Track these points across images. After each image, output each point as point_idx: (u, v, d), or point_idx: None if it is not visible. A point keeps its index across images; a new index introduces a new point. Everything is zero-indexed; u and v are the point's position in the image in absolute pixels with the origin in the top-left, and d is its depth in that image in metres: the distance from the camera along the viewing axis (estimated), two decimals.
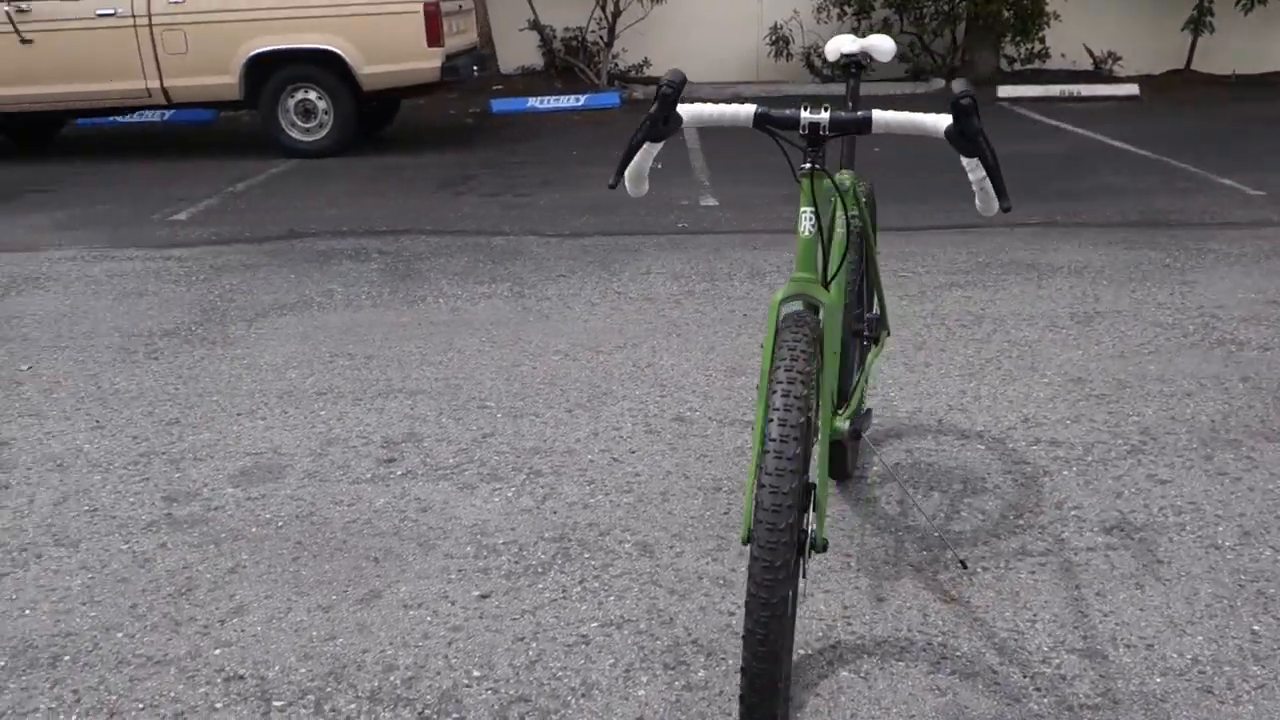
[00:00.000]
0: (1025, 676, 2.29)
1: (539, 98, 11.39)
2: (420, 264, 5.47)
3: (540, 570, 2.71)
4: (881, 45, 2.71)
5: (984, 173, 1.87)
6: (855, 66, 2.76)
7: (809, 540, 2.00)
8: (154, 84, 8.60)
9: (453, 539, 2.87)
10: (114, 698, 2.28)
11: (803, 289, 2.07)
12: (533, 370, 4.02)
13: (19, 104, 8.70)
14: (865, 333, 3.03)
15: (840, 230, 2.69)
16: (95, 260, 5.72)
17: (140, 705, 2.26)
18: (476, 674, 2.33)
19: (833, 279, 2.15)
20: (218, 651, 2.43)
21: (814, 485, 2.05)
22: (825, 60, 2.82)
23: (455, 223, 6.28)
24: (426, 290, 5.02)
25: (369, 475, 3.23)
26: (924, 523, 2.89)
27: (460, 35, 9.36)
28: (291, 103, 8.66)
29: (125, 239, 6.14)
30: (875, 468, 3.23)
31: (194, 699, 2.27)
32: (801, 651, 2.38)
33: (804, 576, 2.18)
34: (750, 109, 2.00)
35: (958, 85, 1.85)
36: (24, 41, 8.46)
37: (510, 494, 3.09)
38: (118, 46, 8.46)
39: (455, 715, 2.20)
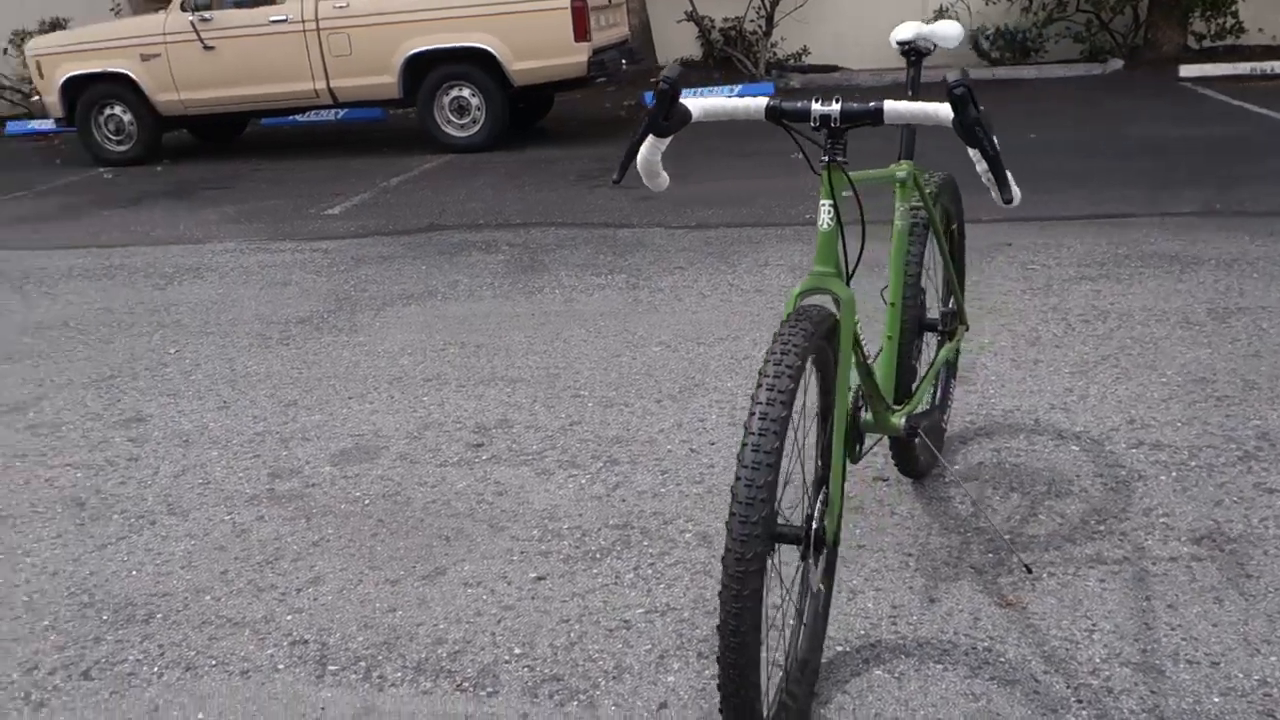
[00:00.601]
0: (1069, 687, 2.22)
1: (692, 89, 11.44)
2: (544, 255, 5.61)
3: (598, 556, 2.78)
4: (945, 31, 2.65)
5: (986, 164, 1.83)
6: (915, 54, 2.70)
7: (812, 534, 2.00)
8: (321, 84, 9.08)
9: (521, 522, 2.97)
10: (192, 654, 2.47)
11: (820, 283, 2.06)
12: (631, 361, 4.09)
13: (203, 106, 9.33)
14: (940, 327, 2.97)
15: (900, 223, 2.66)
16: (252, 252, 6.10)
17: (213, 662, 2.44)
18: (518, 652, 2.42)
19: (852, 274, 2.13)
20: (289, 617, 2.59)
21: (826, 479, 2.04)
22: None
23: (585, 215, 6.41)
24: (545, 281, 5.16)
25: (456, 459, 3.37)
26: (995, 524, 2.82)
27: (609, 30, 9.50)
28: (446, 100, 8.99)
29: (281, 232, 6.53)
30: (958, 466, 3.16)
31: (260, 659, 2.44)
32: (839, 648, 2.37)
33: (822, 570, 2.16)
34: (762, 102, 2.00)
35: (952, 74, 1.81)
36: (206, 48, 9.07)
37: (584, 481, 3.17)
38: (289, 50, 8.97)
39: (489, 690, 2.29)
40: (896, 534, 2.81)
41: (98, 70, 9.26)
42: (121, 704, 2.31)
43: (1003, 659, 2.30)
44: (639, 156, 2.06)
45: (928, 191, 2.82)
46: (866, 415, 2.60)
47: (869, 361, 2.37)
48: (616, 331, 4.41)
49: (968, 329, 3.15)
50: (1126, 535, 2.74)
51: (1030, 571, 2.62)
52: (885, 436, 2.82)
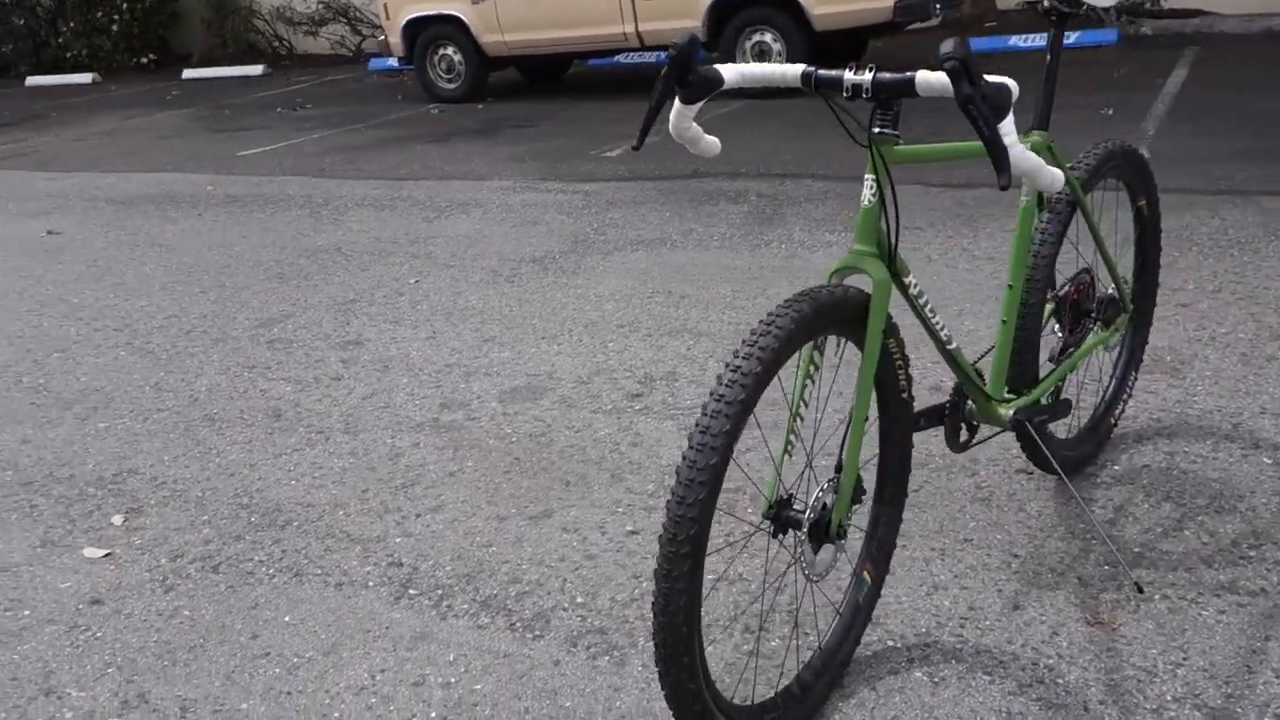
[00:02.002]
0: None
1: (1023, 35, 10.71)
2: (787, 209, 5.54)
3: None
4: None
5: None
6: (1057, 15, 2.43)
7: (812, 523, 1.92)
8: (630, 28, 9.33)
9: (642, 475, 3.02)
10: (305, 561, 2.74)
11: (855, 261, 1.95)
12: None
13: (523, 47, 9.86)
14: (1093, 313, 2.69)
15: (1026, 200, 2.44)
16: (521, 190, 6.44)
17: (318, 571, 2.69)
18: (579, 601, 2.49)
19: (894, 253, 1.99)
20: (398, 540, 2.80)
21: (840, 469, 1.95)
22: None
23: (850, 168, 6.22)
24: (775, 235, 5.10)
25: (610, 407, 3.46)
26: (1110, 531, 2.55)
27: None
28: (748, 45, 8.96)
29: (555, 172, 6.83)
30: (1117, 466, 2.87)
31: (357, 574, 2.66)
32: (891, 643, 2.26)
33: (829, 557, 2.04)
34: (798, 69, 1.90)
35: (945, 45, 1.63)
36: None
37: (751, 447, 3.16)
38: None
39: (536, 633, 2.38)
40: (1013, 532, 2.61)
41: (433, 12, 9.99)
42: (231, 598, 2.61)
43: (1060, 680, 2.11)
44: (670, 123, 2.02)
45: (1083, 164, 2.56)
46: (970, 404, 2.42)
47: (948, 346, 2.21)
48: None
49: (1129, 314, 2.83)
50: (1278, 564, 2.40)
51: (1141, 591, 2.36)
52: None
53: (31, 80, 15.24)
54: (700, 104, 1.99)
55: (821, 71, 1.88)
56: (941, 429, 2.39)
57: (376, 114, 9.94)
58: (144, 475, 3.25)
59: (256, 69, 13.98)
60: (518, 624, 2.42)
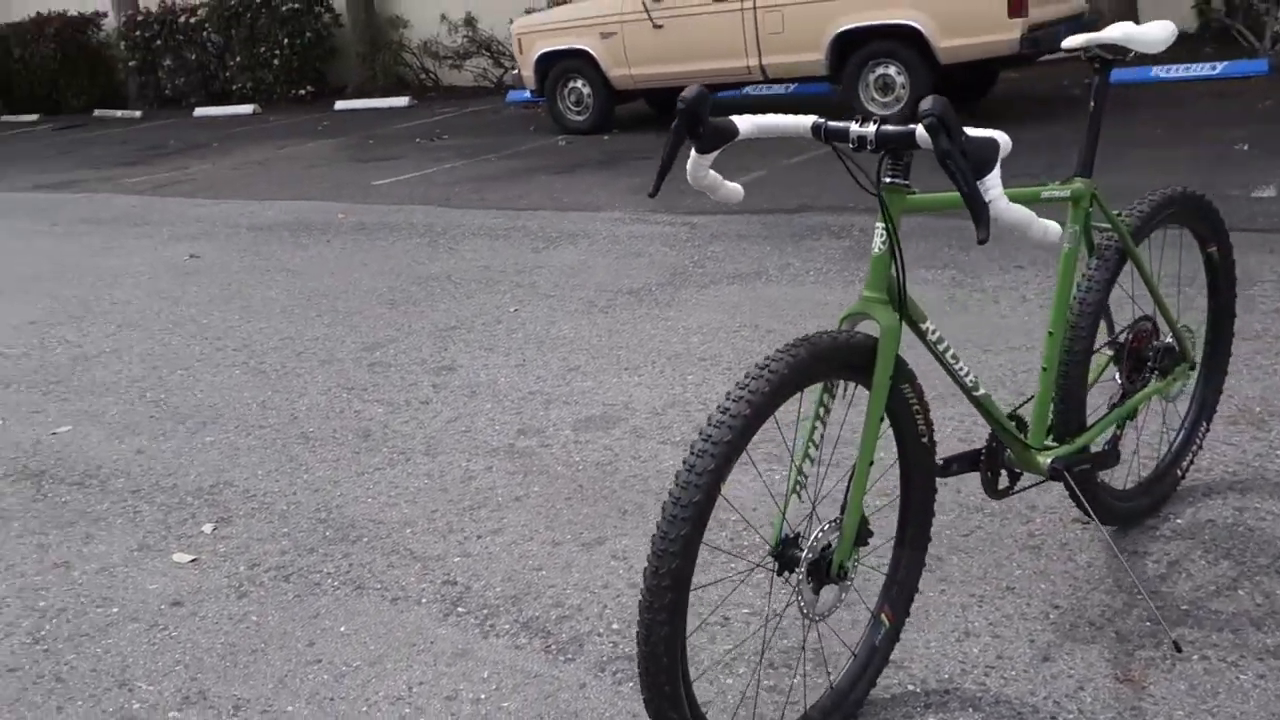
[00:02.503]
0: None
1: (1165, 66, 10.37)
2: None
3: (743, 550, 2.83)
4: (1147, 35, 2.35)
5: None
6: (1100, 61, 2.41)
7: (811, 562, 1.96)
8: (754, 61, 9.43)
9: None
10: (368, 575, 2.89)
11: (864, 308, 1.99)
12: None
13: (649, 81, 10.06)
14: (1151, 363, 2.65)
15: (1068, 246, 2.43)
16: (630, 222, 6.59)
17: (377, 586, 2.84)
18: (615, 627, 2.57)
19: (902, 300, 2.02)
20: (457, 559, 2.94)
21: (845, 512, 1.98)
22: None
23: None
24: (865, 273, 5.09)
25: (679, 438, 3.53)
26: (1162, 589, 2.49)
27: (1056, 4, 8.90)
28: (871, 77, 8.94)
29: (666, 205, 6.95)
30: (1179, 520, 2.80)
31: (413, 591, 2.80)
32: (910, 686, 2.27)
33: (832, 597, 2.07)
34: (809, 120, 1.96)
35: (925, 103, 1.66)
36: (656, 27, 9.74)
37: (778, 479, 3.20)
38: (727, 28, 9.40)
39: (569, 656, 2.47)
40: (1058, 582, 2.58)
41: (564, 47, 10.29)
42: (296, 608, 2.78)
43: None
44: (688, 171, 2.10)
45: (1136, 211, 2.53)
46: (1009, 451, 2.42)
47: (975, 393, 2.22)
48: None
49: (1194, 368, 2.76)
50: None
51: (1180, 650, 2.30)
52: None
53: (199, 111, 16.25)
54: (715, 154, 2.06)
55: (831, 124, 1.93)
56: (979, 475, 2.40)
57: (508, 145, 10.26)
58: (238, 488, 3.48)
59: (403, 100, 14.59)
60: (553, 646, 2.52)
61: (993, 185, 1.71)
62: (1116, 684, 2.22)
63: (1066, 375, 2.44)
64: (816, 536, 1.99)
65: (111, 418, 4.18)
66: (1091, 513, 2.45)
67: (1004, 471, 2.47)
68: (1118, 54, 2.40)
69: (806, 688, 2.28)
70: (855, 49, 8.91)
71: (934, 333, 2.13)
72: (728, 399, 1.81)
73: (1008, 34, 8.30)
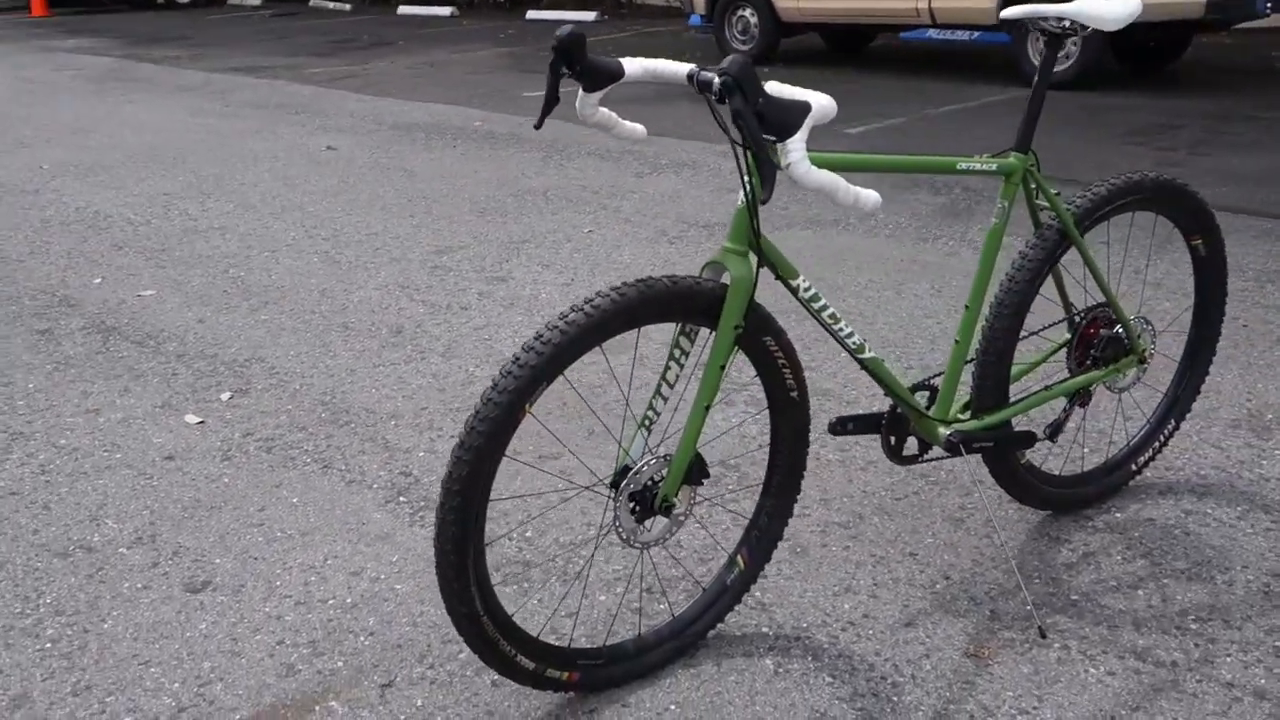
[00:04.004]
0: None
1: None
2: (985, 205, 5.36)
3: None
4: (1098, 10, 2.26)
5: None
6: (1048, 36, 2.32)
7: (632, 491, 2.04)
8: (922, 4, 9.14)
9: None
10: (338, 457, 3.13)
11: (720, 258, 2.04)
12: (934, 325, 3.93)
13: (817, 15, 9.89)
14: (1094, 353, 2.58)
15: (996, 221, 2.39)
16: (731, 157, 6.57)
17: (342, 468, 3.07)
18: (528, 535, 2.72)
19: (759, 251, 2.04)
20: (422, 454, 3.14)
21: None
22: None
23: (1083, 171, 5.89)
24: (951, 231, 4.98)
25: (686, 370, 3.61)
26: (1064, 577, 2.45)
27: None
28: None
29: None
30: (1119, 513, 2.73)
31: (371, 477, 3.02)
32: (764, 629, 2.33)
33: (660, 529, 2.15)
34: (687, 67, 1.98)
35: (724, 61, 1.68)
36: None
37: (748, 422, 3.26)
38: None
39: None
40: (962, 556, 2.58)
41: None
42: (266, 476, 3.04)
43: (895, 698, 2.12)
44: (576, 108, 2.16)
45: (1090, 194, 2.46)
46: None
47: (859, 355, 2.23)
48: (959, 293, 4.21)
49: (1143, 362, 2.66)
50: (1213, 644, 2.25)
51: (1044, 637, 2.29)
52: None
53: (402, 9, 16.86)
54: (603, 92, 2.10)
55: (702, 74, 1.96)
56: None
57: None
58: (266, 363, 3.78)
59: (590, 15, 14.76)
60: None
61: (794, 149, 1.73)
62: (963, 658, 2.24)
63: (986, 351, 2.41)
64: (642, 469, 2.07)
65: (191, 288, 4.57)
66: (984, 495, 2.43)
67: (915, 439, 2.47)
68: (1067, 31, 2.32)
69: (643, 615, 2.37)
70: None
71: (807, 290, 2.15)
72: (546, 327, 1.90)
73: None
